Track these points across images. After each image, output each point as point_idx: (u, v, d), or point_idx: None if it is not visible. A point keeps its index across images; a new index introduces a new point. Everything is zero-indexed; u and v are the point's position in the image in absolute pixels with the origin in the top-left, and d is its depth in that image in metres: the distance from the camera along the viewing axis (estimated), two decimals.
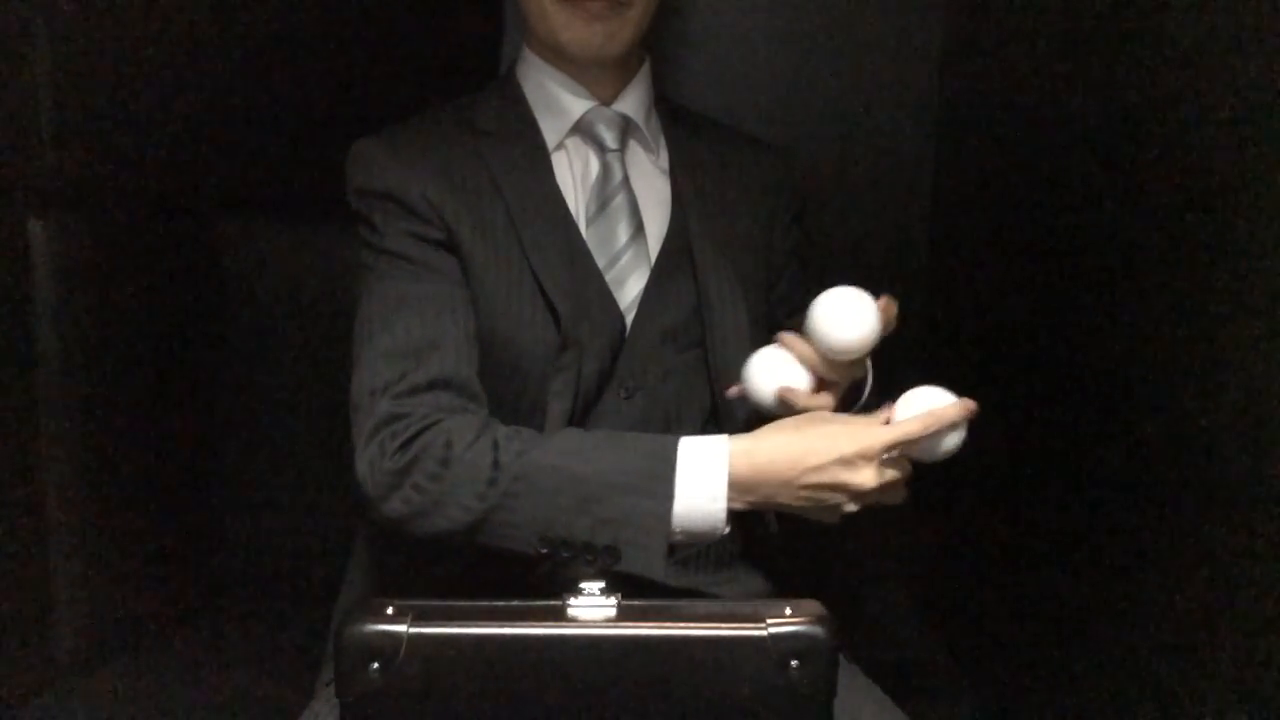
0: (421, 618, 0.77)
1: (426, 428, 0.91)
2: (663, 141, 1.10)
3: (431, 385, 0.94)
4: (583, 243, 1.02)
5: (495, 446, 0.90)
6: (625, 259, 1.03)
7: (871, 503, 0.92)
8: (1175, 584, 0.91)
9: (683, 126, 1.12)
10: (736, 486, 0.90)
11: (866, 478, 0.90)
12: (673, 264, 1.04)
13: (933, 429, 0.90)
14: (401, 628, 0.76)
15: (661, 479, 0.88)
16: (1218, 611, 0.85)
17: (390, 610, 0.78)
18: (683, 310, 1.04)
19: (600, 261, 1.02)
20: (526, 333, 0.98)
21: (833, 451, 0.89)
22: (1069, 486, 1.13)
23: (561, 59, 1.04)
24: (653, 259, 1.04)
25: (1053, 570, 1.16)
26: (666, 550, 0.88)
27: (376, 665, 0.76)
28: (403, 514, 0.90)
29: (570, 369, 0.98)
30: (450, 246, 0.99)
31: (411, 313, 0.96)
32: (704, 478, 0.89)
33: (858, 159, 1.53)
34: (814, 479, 0.90)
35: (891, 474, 0.91)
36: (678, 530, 0.89)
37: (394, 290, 0.98)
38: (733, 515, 0.91)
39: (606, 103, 1.06)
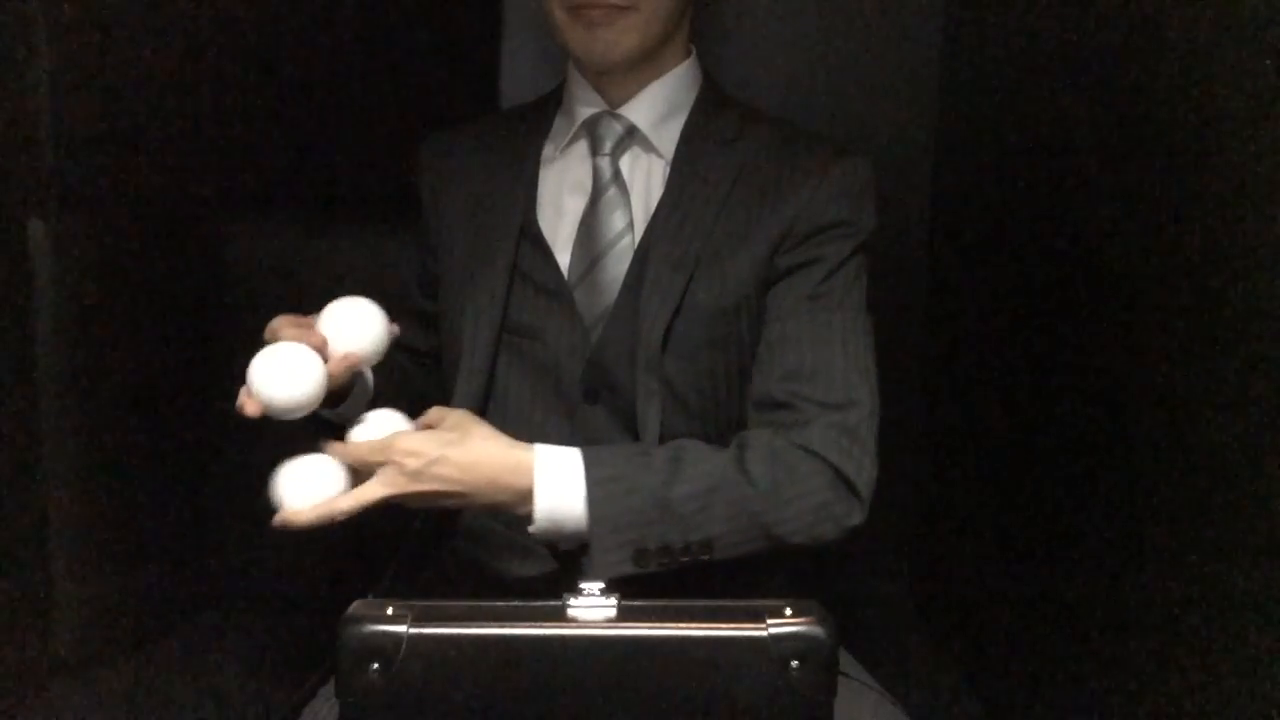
0: (421, 618, 0.77)
1: None
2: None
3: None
4: (552, 263, 1.03)
5: None
6: (621, 245, 1.03)
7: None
8: (1175, 584, 0.91)
9: (720, 133, 1.06)
10: None
11: None
12: (632, 283, 1.02)
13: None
14: (401, 628, 0.76)
15: None
16: (1218, 612, 0.85)
17: (390, 610, 0.78)
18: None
19: (580, 267, 1.02)
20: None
21: None
22: (1069, 486, 1.13)
23: (579, 64, 1.05)
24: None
25: (1053, 570, 1.16)
26: None
27: (376, 665, 0.76)
28: None
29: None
30: (433, 254, 1.14)
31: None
32: None
33: None
34: None
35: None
36: None
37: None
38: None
39: (616, 107, 1.06)
